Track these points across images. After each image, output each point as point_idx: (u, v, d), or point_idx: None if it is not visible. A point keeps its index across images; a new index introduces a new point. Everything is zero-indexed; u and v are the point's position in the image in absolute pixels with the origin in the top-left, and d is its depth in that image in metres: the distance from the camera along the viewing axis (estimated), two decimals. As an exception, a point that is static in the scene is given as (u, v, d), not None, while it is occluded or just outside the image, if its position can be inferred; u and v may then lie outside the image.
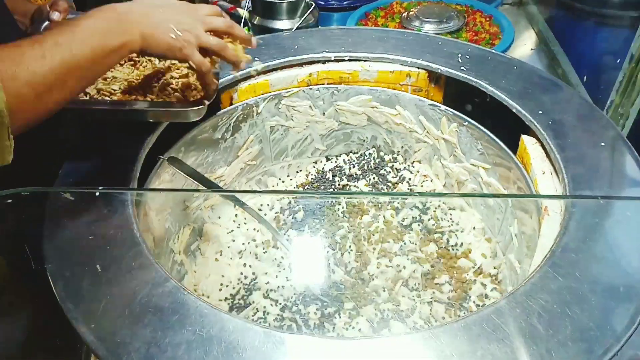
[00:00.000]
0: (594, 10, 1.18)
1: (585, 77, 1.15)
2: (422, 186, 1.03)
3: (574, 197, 0.63)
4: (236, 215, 1.02)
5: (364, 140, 1.10)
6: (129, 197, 0.68)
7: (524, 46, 1.32)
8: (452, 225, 0.97)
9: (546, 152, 0.78)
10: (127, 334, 0.52)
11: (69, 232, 0.63)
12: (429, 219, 0.97)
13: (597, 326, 0.51)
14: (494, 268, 0.89)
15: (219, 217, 1.02)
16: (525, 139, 0.81)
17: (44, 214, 0.64)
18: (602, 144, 0.76)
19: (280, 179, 1.12)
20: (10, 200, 0.58)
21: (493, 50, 1.00)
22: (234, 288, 0.92)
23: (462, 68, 0.92)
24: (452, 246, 0.94)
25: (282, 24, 1.32)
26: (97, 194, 0.49)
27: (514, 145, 0.85)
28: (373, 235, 0.95)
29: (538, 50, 1.31)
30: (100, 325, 0.53)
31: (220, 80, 0.92)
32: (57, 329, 0.54)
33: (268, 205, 1.04)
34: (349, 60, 0.99)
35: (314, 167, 1.11)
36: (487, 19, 1.34)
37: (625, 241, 0.61)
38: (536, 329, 0.51)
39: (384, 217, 0.96)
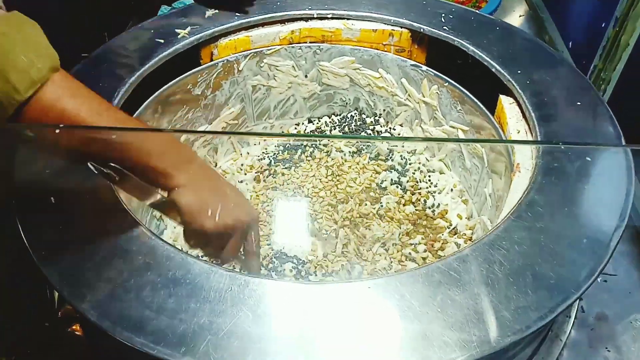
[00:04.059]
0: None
1: (570, 44, 1.14)
2: (402, 147, 1.03)
3: (529, 143, 0.63)
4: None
5: (346, 103, 1.09)
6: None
7: (513, 12, 1.31)
8: (430, 187, 0.98)
9: (522, 112, 0.78)
10: (92, 275, 0.52)
11: (39, 174, 0.63)
12: (407, 181, 0.98)
13: (557, 276, 0.52)
14: (469, 228, 0.90)
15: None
16: (503, 99, 0.81)
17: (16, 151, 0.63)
18: (579, 103, 0.76)
19: (263, 139, 1.11)
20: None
21: (477, 12, 0.99)
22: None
23: (445, 27, 0.91)
24: (429, 207, 0.94)
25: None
26: (56, 131, 0.48)
27: (493, 107, 0.85)
28: (351, 197, 0.95)
29: (527, 17, 1.30)
30: (64, 266, 0.53)
31: (199, 35, 0.91)
32: (24, 271, 0.54)
33: (249, 166, 1.05)
34: (332, 18, 0.98)
35: (296, 128, 1.11)
36: (475, -19, 1.31)
37: (592, 196, 0.62)
38: (497, 277, 0.52)
39: (363, 178, 0.96)
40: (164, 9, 1.22)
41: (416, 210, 0.94)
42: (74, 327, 0.75)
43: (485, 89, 0.85)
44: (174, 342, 0.46)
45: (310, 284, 0.53)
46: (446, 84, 0.92)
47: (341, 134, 1.07)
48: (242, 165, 1.05)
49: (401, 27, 0.95)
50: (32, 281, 0.53)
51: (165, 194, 0.60)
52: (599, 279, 0.78)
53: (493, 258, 0.53)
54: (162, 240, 0.56)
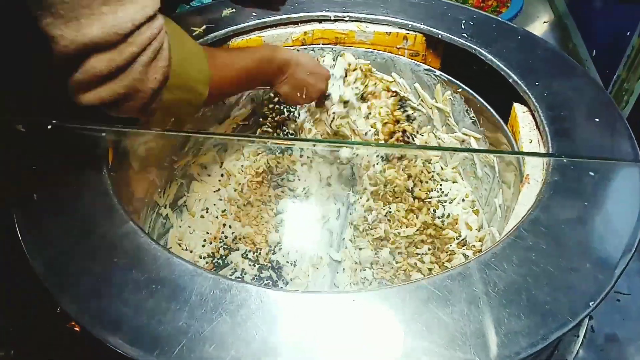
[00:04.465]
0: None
1: (594, 52, 1.09)
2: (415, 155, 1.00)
3: (538, 155, 0.60)
4: (222, 175, 1.01)
5: (360, 106, 1.07)
6: (103, 138, 0.68)
7: (538, 19, 1.27)
8: (441, 196, 0.95)
9: (536, 123, 0.74)
10: (76, 270, 0.52)
11: (36, 170, 0.64)
12: (419, 190, 0.95)
13: (554, 301, 0.49)
14: (478, 240, 0.87)
15: (208, 175, 1.01)
16: (517, 107, 0.77)
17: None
18: (597, 119, 0.72)
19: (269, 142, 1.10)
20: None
21: (499, 18, 0.95)
22: (215, 246, 0.92)
23: (464, 34, 0.88)
24: (439, 217, 0.92)
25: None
26: (49, 126, 0.48)
27: (507, 116, 0.82)
28: (359, 201, 0.93)
29: (551, 24, 1.26)
30: (51, 258, 0.53)
31: (213, 34, 0.91)
32: (22, 266, 0.55)
33: (252, 166, 1.04)
34: (349, 20, 0.96)
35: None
36: (497, -14, 1.27)
37: (601, 216, 0.58)
38: (489, 298, 0.49)
39: (373, 185, 0.94)
40: (183, 8, 1.22)
41: (425, 219, 0.91)
42: (72, 322, 0.76)
43: (500, 98, 0.82)
44: (148, 343, 0.45)
45: (293, 292, 0.51)
46: (460, 90, 0.89)
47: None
48: (242, 166, 1.04)
49: (415, 31, 0.92)
50: (30, 276, 0.53)
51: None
52: (614, 298, 0.75)
53: (487, 277, 0.51)
54: (151, 238, 0.56)
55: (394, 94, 0.91)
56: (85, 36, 0.51)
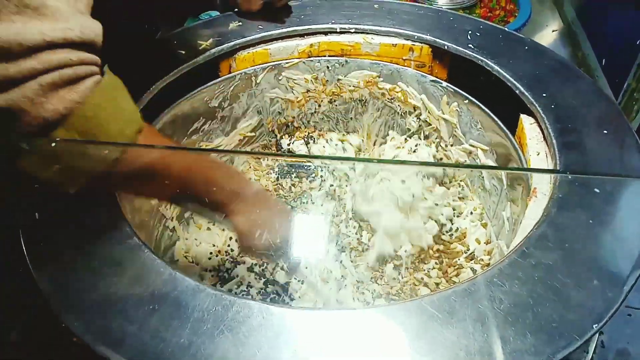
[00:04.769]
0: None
1: (604, 61, 1.08)
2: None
3: (545, 172, 0.59)
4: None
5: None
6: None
7: (546, 27, 1.26)
8: (449, 209, 0.94)
9: (544, 135, 0.73)
10: (79, 285, 0.52)
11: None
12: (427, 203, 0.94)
13: (561, 319, 0.48)
14: (487, 253, 0.86)
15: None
16: (524, 118, 0.77)
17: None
18: (605, 132, 0.70)
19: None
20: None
21: (507, 29, 0.95)
22: (221, 259, 0.92)
23: (470, 45, 0.88)
24: (447, 231, 0.91)
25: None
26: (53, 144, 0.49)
27: (514, 128, 0.81)
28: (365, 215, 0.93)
29: (560, 32, 1.24)
30: (55, 272, 0.54)
31: (219, 47, 0.92)
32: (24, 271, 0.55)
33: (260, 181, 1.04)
34: (355, 32, 0.96)
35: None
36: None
37: (610, 232, 0.57)
38: (494, 316, 0.48)
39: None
40: (190, 22, 1.24)
41: (434, 232, 0.90)
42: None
43: (507, 110, 0.81)
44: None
45: (294, 309, 0.51)
46: (466, 101, 0.88)
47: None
48: (250, 179, 1.04)
49: (421, 42, 0.92)
50: (31, 281, 0.53)
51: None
52: (625, 313, 0.73)
53: (493, 294, 0.50)
54: (154, 253, 0.56)
55: None
56: None
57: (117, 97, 0.56)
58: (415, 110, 0.99)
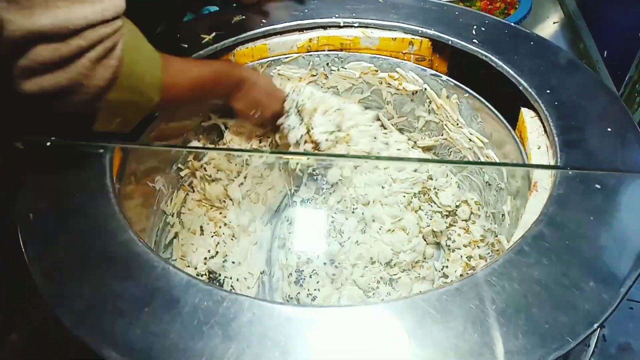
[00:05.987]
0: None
1: (605, 53, 1.07)
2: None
3: (544, 168, 0.58)
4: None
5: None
6: (108, 152, 0.69)
7: (547, 19, 1.24)
8: (448, 204, 0.93)
9: (545, 129, 0.73)
10: (73, 278, 0.52)
11: (43, 179, 0.64)
12: (426, 201, 0.94)
13: (554, 320, 0.47)
14: (487, 248, 0.85)
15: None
16: (524, 112, 0.76)
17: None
18: (609, 129, 0.69)
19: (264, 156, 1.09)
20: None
21: (511, 24, 0.93)
22: (215, 263, 0.91)
23: (475, 40, 0.86)
24: (446, 227, 0.90)
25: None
26: (47, 144, 0.49)
27: (514, 122, 0.80)
28: (364, 213, 0.92)
29: (562, 24, 1.23)
30: (49, 266, 0.54)
31: (219, 42, 0.91)
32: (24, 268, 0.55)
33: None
34: (358, 26, 0.94)
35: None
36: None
37: (609, 231, 0.56)
38: (486, 316, 0.47)
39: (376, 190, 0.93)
40: (190, 17, 1.23)
41: (433, 232, 0.90)
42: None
43: (509, 104, 0.80)
44: (141, 356, 0.45)
45: (285, 305, 0.50)
46: (466, 94, 0.87)
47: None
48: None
49: (421, 36, 0.91)
50: (31, 281, 0.54)
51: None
52: (627, 306, 0.73)
53: (485, 294, 0.49)
54: (149, 248, 0.56)
55: None
56: (34, 25, 0.51)
57: (140, 46, 0.64)
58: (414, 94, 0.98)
